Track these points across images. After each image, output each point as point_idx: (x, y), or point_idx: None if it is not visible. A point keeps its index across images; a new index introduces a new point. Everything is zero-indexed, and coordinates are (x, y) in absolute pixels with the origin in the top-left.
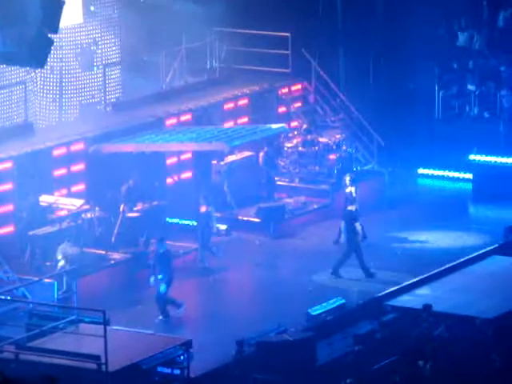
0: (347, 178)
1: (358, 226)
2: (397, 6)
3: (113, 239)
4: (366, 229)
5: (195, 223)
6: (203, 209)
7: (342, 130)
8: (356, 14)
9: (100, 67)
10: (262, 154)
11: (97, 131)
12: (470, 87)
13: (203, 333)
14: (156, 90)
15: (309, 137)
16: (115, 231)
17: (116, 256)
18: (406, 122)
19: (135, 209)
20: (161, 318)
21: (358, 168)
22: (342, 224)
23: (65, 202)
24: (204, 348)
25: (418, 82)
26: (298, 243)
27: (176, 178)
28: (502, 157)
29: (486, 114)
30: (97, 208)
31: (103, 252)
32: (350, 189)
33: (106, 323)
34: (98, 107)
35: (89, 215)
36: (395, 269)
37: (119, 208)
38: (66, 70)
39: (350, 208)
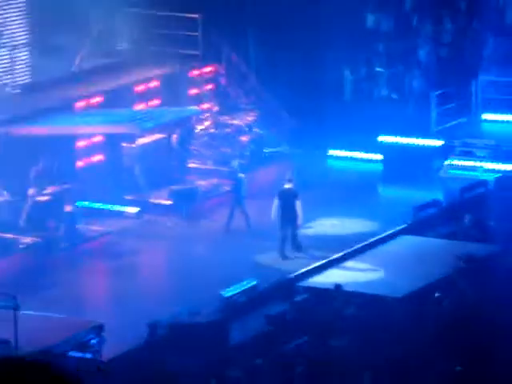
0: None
1: (298, 204)
2: None
3: (21, 223)
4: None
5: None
6: (68, 208)
7: (254, 112)
8: None
9: (7, 48)
10: (175, 136)
11: (5, 114)
12: (379, 69)
13: (116, 316)
14: (66, 73)
15: (220, 119)
16: (23, 215)
17: (26, 240)
18: (317, 103)
19: (44, 192)
20: None
21: (269, 150)
22: (275, 202)
23: None
24: (116, 331)
25: (327, 64)
26: (211, 225)
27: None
28: (411, 137)
29: (394, 96)
30: (5, 192)
31: (12, 236)
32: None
33: (15, 308)
34: (6, 89)
35: None
36: (307, 251)
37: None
38: None
39: (288, 186)
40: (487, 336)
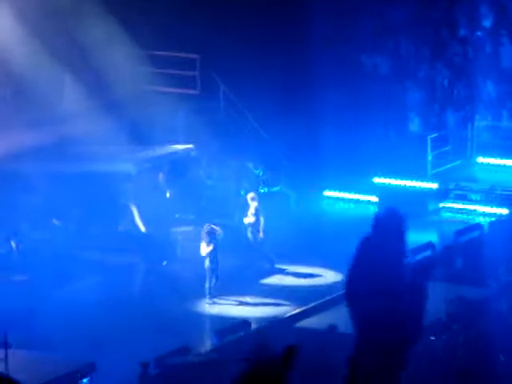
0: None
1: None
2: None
3: None
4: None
5: None
6: None
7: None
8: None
9: None
10: (161, 175)
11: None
12: None
13: (107, 354)
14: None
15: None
16: None
17: None
18: (313, 143)
19: None
20: None
21: (266, 189)
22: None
23: None
24: (108, 370)
25: (325, 104)
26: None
27: None
28: (406, 179)
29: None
30: None
31: None
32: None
33: (6, 345)
34: None
35: None
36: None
37: None
38: None
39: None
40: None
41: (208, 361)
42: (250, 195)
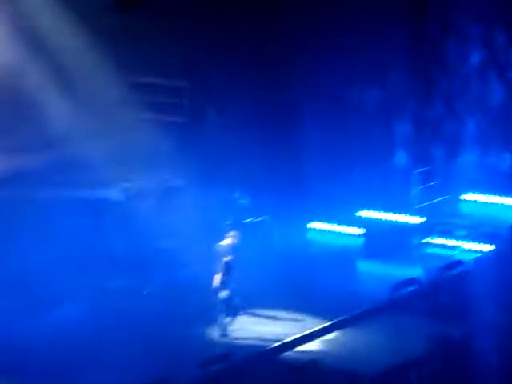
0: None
1: None
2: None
3: None
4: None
5: None
6: None
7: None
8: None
9: None
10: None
11: None
12: None
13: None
14: None
15: None
16: None
17: None
18: (298, 174)
19: None
20: None
21: (249, 220)
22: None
23: None
24: None
25: (306, 132)
26: None
27: None
28: (392, 213)
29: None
30: None
31: None
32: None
33: None
34: None
35: None
36: None
37: None
38: None
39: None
40: None
41: None
42: (231, 233)
